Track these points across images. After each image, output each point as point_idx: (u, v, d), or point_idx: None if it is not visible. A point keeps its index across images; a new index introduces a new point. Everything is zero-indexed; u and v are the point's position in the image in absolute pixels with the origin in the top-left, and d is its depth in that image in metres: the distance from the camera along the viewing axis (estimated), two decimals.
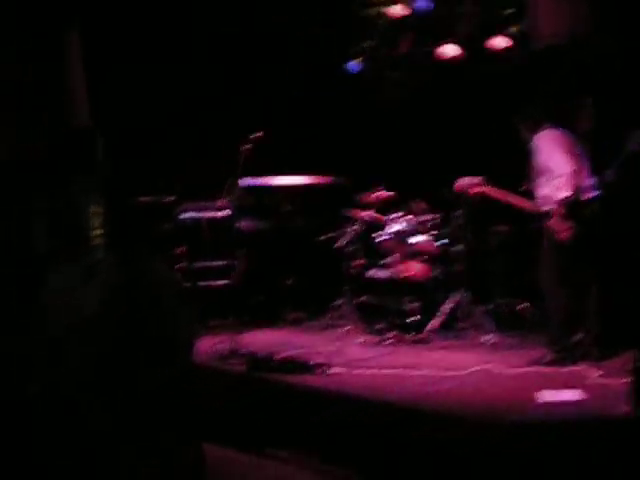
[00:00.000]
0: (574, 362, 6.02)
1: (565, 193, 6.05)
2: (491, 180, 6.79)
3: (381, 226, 8.02)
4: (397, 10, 8.57)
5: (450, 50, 8.36)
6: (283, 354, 6.56)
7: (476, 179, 6.78)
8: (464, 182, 6.86)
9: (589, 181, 6.19)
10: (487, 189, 6.76)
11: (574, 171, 6.05)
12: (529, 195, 6.41)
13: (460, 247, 7.60)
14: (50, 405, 2.52)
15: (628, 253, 6.43)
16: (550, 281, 6.22)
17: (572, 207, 6.05)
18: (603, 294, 6.14)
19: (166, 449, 2.66)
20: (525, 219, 6.58)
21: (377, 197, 8.09)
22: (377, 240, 8.01)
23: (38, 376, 2.51)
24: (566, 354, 6.11)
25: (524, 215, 6.45)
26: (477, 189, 6.82)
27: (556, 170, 6.09)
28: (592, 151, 6.60)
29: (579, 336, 6.17)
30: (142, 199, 8.94)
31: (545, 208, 6.18)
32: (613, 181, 6.50)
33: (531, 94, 6.79)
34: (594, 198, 6.17)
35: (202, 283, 8.30)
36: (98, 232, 8.13)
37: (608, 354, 6.10)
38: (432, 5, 8.50)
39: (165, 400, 2.62)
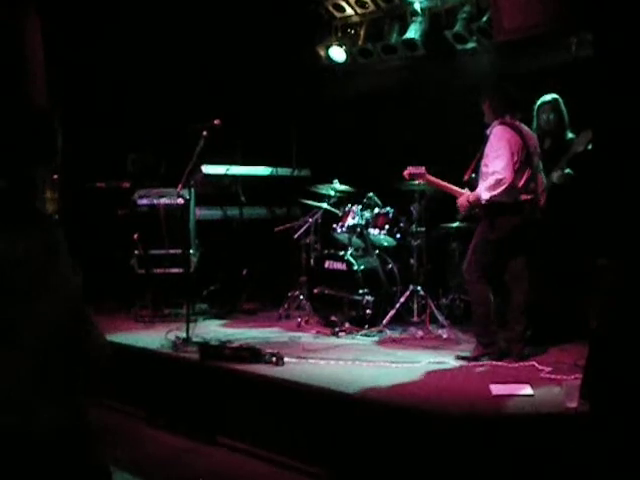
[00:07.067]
0: (499, 359, 6.04)
1: (490, 193, 6.02)
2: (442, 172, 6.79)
3: (338, 218, 8.03)
4: None
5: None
6: (236, 343, 6.53)
7: (420, 168, 6.76)
8: (411, 170, 6.82)
9: (533, 183, 6.16)
10: (429, 177, 6.75)
11: (510, 176, 5.96)
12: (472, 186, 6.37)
13: (415, 242, 7.66)
14: None
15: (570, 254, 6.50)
16: (472, 276, 6.25)
17: (502, 207, 6.05)
18: (535, 293, 6.16)
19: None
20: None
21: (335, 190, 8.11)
22: (334, 232, 8.04)
23: None
24: (492, 350, 6.13)
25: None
26: (421, 178, 6.82)
27: (491, 168, 6.06)
28: (551, 150, 6.67)
29: (508, 333, 6.20)
30: (99, 184, 8.85)
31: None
32: (559, 182, 6.55)
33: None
34: (532, 200, 6.14)
35: (157, 270, 8.22)
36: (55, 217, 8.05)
37: (534, 352, 6.17)
38: None
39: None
